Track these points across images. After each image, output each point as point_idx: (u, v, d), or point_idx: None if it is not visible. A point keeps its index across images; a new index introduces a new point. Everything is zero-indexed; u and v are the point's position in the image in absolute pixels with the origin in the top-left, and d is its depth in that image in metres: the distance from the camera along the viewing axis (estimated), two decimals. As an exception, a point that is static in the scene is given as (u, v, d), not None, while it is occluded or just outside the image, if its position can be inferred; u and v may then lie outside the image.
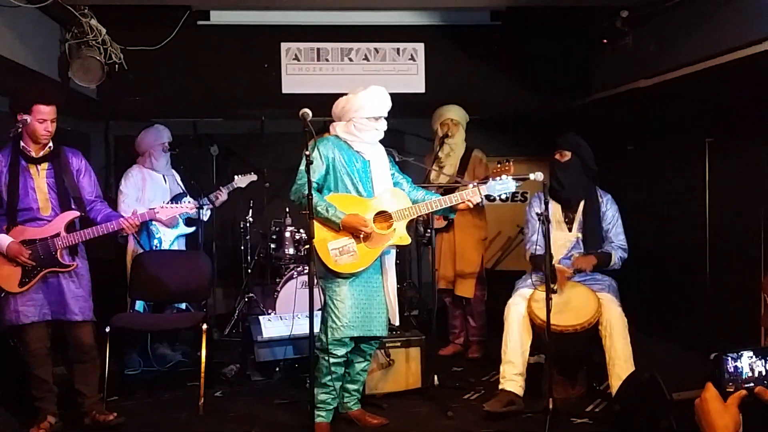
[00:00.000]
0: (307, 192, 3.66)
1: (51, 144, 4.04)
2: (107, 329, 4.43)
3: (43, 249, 3.91)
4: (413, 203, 4.00)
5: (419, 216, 4.12)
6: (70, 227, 4.02)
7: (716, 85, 4.91)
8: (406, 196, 4.04)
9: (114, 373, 4.59)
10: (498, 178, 3.95)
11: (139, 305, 5.25)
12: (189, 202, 5.29)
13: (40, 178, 3.98)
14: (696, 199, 5.38)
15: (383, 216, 3.93)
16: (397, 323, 4.19)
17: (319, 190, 3.93)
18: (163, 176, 5.55)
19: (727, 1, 4.39)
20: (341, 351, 3.89)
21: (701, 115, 5.27)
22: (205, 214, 5.72)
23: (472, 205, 3.99)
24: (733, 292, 4.97)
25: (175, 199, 5.40)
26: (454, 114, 5.50)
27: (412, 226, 6.19)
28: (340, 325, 3.85)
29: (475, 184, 4.02)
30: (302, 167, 3.83)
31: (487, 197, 4.09)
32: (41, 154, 4.01)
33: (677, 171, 5.72)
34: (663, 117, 5.77)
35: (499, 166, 4.93)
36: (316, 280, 3.58)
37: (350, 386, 4.15)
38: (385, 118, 4.00)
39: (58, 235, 3.94)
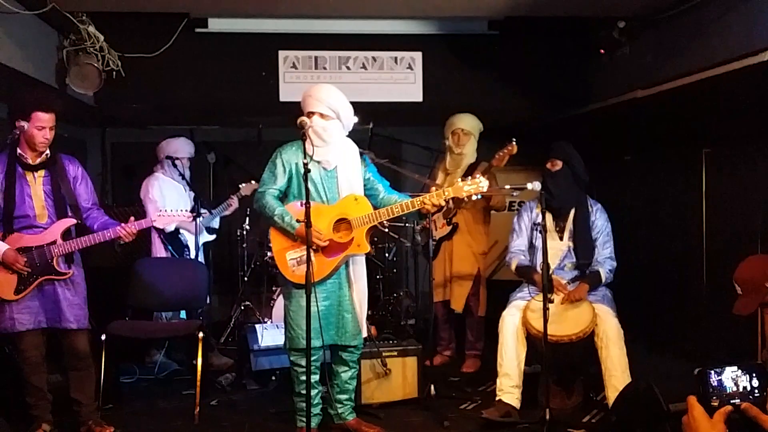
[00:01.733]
0: (263, 202, 3.79)
1: (48, 151, 4.02)
2: (103, 337, 4.41)
3: (40, 257, 3.89)
4: (383, 207, 3.87)
5: (380, 222, 3.90)
6: (67, 235, 4.00)
7: (713, 95, 4.93)
8: (368, 202, 3.88)
9: (109, 381, 4.55)
10: (468, 178, 3.76)
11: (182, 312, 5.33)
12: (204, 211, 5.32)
13: (36, 186, 3.97)
14: (693, 209, 5.39)
15: (344, 224, 3.83)
16: (363, 335, 4.05)
17: (283, 198, 3.89)
18: (183, 186, 5.60)
19: (724, 12, 4.40)
20: (303, 361, 3.81)
21: (698, 125, 5.28)
22: (215, 222, 5.74)
23: (433, 209, 3.82)
24: (730, 302, 4.96)
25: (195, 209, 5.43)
26: (465, 123, 5.51)
27: (408, 234, 6.22)
28: (295, 335, 3.83)
29: (439, 186, 3.90)
30: (264, 175, 3.88)
31: (458, 200, 3.99)
32: (38, 161, 4.00)
33: (674, 181, 5.73)
34: (660, 127, 5.78)
35: (501, 151, 4.98)
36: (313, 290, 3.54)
37: (341, 396, 4.10)
38: (326, 117, 3.81)
39: (54, 242, 3.93)
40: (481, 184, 3.67)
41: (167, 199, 5.42)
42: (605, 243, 4.59)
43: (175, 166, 5.60)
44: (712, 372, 1.64)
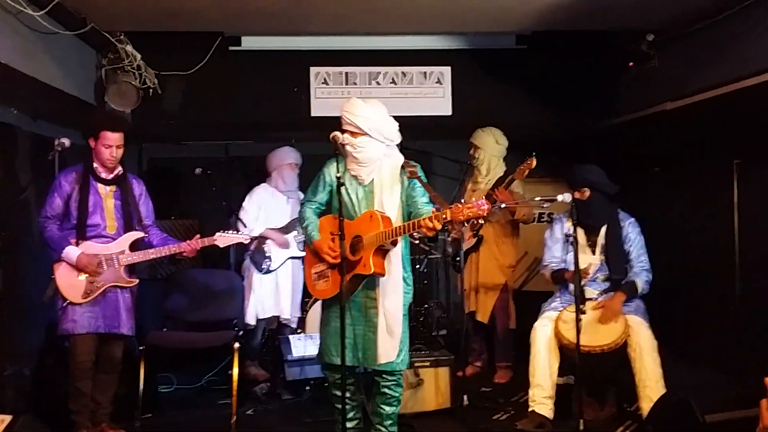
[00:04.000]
0: (301, 214, 3.82)
1: (120, 168, 4.28)
2: (141, 347, 4.51)
3: (108, 264, 4.10)
4: None
5: (389, 240, 3.57)
6: (133, 247, 4.21)
7: (744, 107, 4.92)
8: (380, 220, 3.59)
9: (148, 391, 4.63)
10: (470, 201, 3.39)
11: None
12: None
13: (107, 198, 4.21)
14: (724, 220, 5.35)
15: (361, 242, 3.64)
16: (381, 360, 3.68)
17: (326, 212, 3.89)
18: (287, 198, 5.64)
19: (754, 24, 4.41)
20: (332, 377, 3.82)
21: (728, 137, 5.27)
22: None
23: (430, 232, 3.43)
24: (764, 313, 4.94)
25: (293, 223, 5.51)
26: (476, 138, 5.66)
27: (439, 246, 6.25)
28: (323, 350, 3.81)
29: (439, 208, 3.56)
30: (309, 188, 3.91)
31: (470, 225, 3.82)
32: (111, 176, 4.24)
33: (705, 192, 5.70)
34: (690, 139, 5.77)
35: (522, 165, 5.05)
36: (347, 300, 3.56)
37: (374, 417, 3.89)
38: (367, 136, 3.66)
39: (122, 252, 4.15)
40: (482, 206, 3.29)
41: (264, 209, 5.52)
42: (640, 255, 4.59)
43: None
44: None
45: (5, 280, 4.16)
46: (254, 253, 5.51)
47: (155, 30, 5.24)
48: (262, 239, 5.51)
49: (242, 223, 5.34)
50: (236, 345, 4.57)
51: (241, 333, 4.93)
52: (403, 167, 3.76)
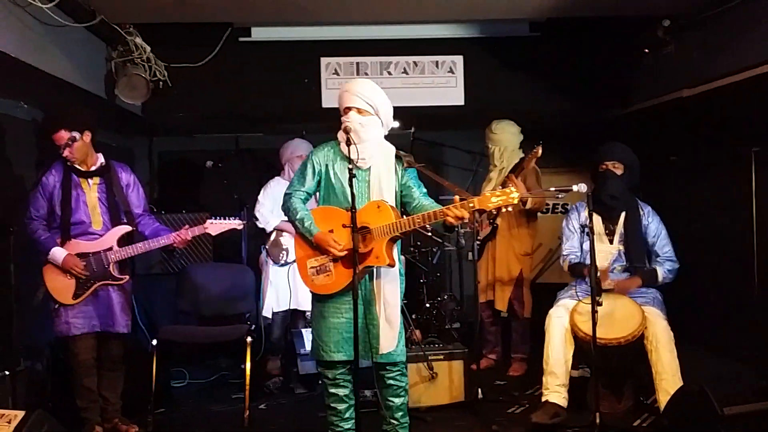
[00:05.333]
0: (288, 204, 3.62)
1: (102, 159, 4.19)
2: (154, 342, 4.50)
3: (96, 262, 4.06)
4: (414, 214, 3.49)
5: (403, 232, 3.44)
6: (122, 241, 4.14)
7: (763, 93, 4.83)
8: (390, 210, 3.46)
9: (160, 386, 4.62)
10: (498, 189, 3.35)
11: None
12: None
13: (91, 192, 4.13)
14: (742, 209, 5.28)
15: (367, 233, 3.46)
16: (383, 351, 3.53)
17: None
18: None
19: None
20: (330, 373, 3.63)
21: (747, 124, 5.19)
22: None
23: (457, 221, 3.34)
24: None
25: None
26: (488, 137, 5.69)
27: (452, 238, 6.22)
28: (315, 347, 3.63)
29: (464, 198, 3.39)
30: (294, 176, 3.71)
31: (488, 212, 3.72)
32: (92, 168, 4.15)
33: (723, 180, 5.62)
34: (707, 126, 5.68)
35: (530, 154, 5.02)
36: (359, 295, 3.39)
37: (385, 412, 3.74)
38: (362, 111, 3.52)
39: (110, 249, 4.09)
40: (512, 195, 3.24)
41: (278, 203, 5.47)
42: (664, 246, 4.55)
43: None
44: None
45: (18, 275, 4.14)
46: (271, 245, 5.48)
47: (164, 22, 5.20)
48: (278, 232, 5.47)
49: (257, 217, 5.33)
50: (249, 339, 4.54)
51: (253, 327, 4.89)
52: (398, 157, 3.61)
